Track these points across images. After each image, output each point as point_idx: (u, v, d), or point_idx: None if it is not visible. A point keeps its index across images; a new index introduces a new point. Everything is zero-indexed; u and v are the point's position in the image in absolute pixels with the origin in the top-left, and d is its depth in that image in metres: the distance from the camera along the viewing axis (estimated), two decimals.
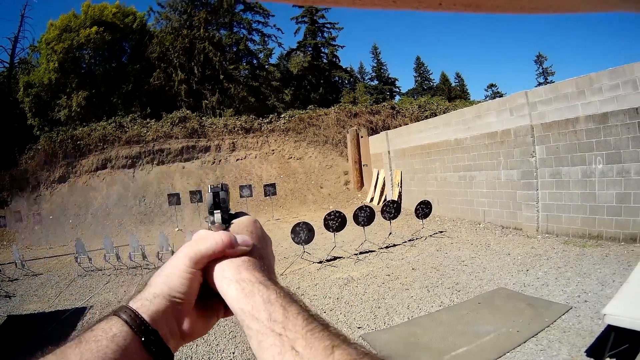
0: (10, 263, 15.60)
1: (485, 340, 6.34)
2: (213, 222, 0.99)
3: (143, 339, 0.75)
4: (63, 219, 24.85)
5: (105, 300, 11.15)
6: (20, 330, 9.52)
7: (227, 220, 1.00)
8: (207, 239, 0.88)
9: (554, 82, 16.78)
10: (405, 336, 7.05)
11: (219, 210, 1.01)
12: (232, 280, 0.81)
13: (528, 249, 10.80)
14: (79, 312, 10.44)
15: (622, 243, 9.70)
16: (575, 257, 9.43)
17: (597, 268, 8.47)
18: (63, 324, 9.62)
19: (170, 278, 0.84)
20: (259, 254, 0.92)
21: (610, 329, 4.35)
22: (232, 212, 1.06)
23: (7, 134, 32.28)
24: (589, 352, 5.02)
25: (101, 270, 14.18)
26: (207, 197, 1.03)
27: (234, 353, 7.31)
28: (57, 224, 24.47)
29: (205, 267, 0.86)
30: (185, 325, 0.86)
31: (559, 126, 11.19)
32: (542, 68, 67.62)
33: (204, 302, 0.91)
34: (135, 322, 0.76)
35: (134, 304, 0.81)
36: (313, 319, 0.73)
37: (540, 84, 62.90)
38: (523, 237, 12.15)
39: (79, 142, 28.88)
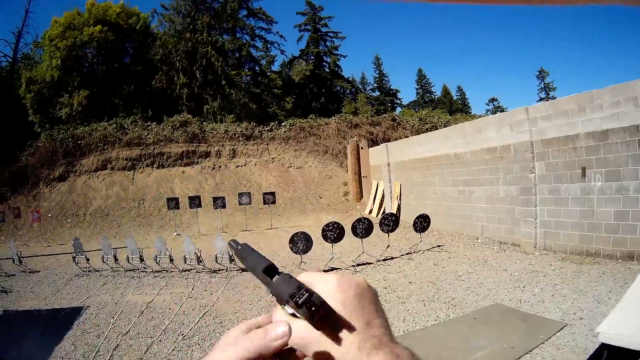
0: (7, 258, 15.62)
1: (480, 356, 6.39)
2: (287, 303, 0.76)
3: None
4: (62, 218, 25.00)
5: (102, 302, 11.17)
6: (15, 326, 9.62)
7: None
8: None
9: (555, 97, 16.82)
10: None
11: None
12: None
13: (525, 265, 10.85)
14: (76, 312, 10.42)
15: (620, 261, 9.72)
16: (572, 275, 9.48)
17: (593, 286, 8.52)
18: (59, 323, 9.63)
19: None
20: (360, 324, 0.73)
21: (603, 347, 4.38)
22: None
23: (7, 129, 32.30)
24: None
25: (98, 271, 14.27)
26: (248, 258, 0.87)
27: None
28: (55, 222, 24.65)
29: None
30: None
31: (558, 143, 11.23)
32: (544, 83, 67.69)
33: None
34: None
35: None
36: None
37: (541, 99, 63.90)
38: (521, 253, 12.19)
39: (79, 142, 29.15)
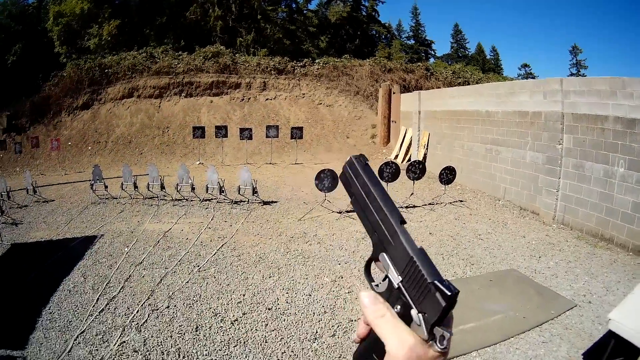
0: (21, 189, 15.49)
1: (493, 320, 6.62)
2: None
3: None
4: (82, 146, 25.04)
5: (117, 230, 11.28)
6: (24, 259, 9.52)
7: None
8: None
9: (585, 75, 16.50)
10: None
11: None
12: None
13: (543, 235, 10.85)
14: (89, 241, 10.48)
15: (631, 253, 9.67)
16: (586, 255, 9.51)
17: (604, 271, 8.53)
18: (70, 253, 9.75)
19: None
20: None
21: (611, 335, 4.38)
22: None
23: (32, 61, 32.33)
24: (586, 355, 5.04)
25: (116, 198, 14.32)
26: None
27: (244, 295, 7.54)
28: (75, 150, 24.68)
29: None
30: None
31: (588, 120, 11.02)
32: (576, 59, 66.47)
33: None
34: None
35: None
36: None
37: (572, 74, 62.79)
38: (539, 222, 12.12)
39: (106, 70, 28.77)
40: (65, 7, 35.80)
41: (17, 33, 34.98)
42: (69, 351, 5.87)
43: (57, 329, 6.41)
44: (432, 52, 66.84)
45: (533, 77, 55.67)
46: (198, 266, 8.82)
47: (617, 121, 10.15)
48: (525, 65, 70.98)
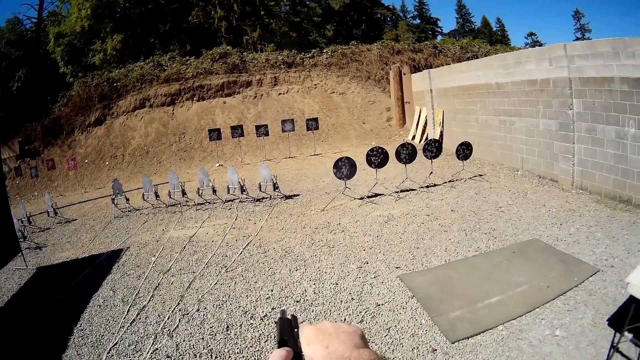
0: (41, 213, 15.67)
1: (518, 292, 6.70)
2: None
3: None
4: (99, 162, 25.17)
5: (143, 240, 11.45)
6: (50, 281, 9.65)
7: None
8: None
9: (590, 39, 16.36)
10: (442, 279, 7.44)
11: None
12: None
13: (563, 202, 10.89)
14: (115, 255, 10.62)
15: None
16: (606, 219, 9.47)
17: (624, 233, 8.48)
18: (97, 269, 9.88)
19: None
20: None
21: (631, 300, 4.42)
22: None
23: (38, 85, 32.58)
24: (610, 321, 5.14)
25: (139, 210, 14.46)
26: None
27: (272, 290, 7.68)
28: (93, 167, 24.87)
29: None
30: None
31: (595, 82, 10.91)
32: (580, 24, 65.88)
33: None
34: None
35: None
36: None
37: (577, 39, 61.92)
38: (558, 189, 12.08)
39: (115, 84, 28.89)
40: (64, 27, 36.23)
41: (19, 59, 35.15)
42: None
43: (90, 345, 6.56)
44: (439, 30, 66.29)
45: (540, 45, 55.19)
46: (225, 267, 8.98)
47: (623, 82, 10.05)
48: (531, 34, 70.22)
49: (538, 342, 5.42)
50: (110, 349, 6.32)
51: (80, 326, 7.16)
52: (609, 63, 10.45)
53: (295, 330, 1.07)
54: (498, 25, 69.80)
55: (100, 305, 7.86)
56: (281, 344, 1.01)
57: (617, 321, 4.80)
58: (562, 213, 10.04)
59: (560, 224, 9.32)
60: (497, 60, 16.13)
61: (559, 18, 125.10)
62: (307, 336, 0.98)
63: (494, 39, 60.43)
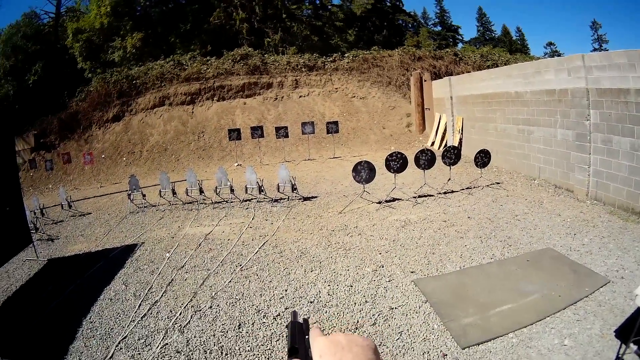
0: (55, 205, 15.86)
1: (529, 300, 6.79)
2: None
3: None
4: (116, 157, 25.69)
5: (158, 236, 11.57)
6: (61, 273, 9.70)
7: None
8: None
9: (607, 49, 16.33)
10: (455, 285, 7.53)
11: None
12: None
13: (577, 212, 10.92)
14: (129, 250, 10.66)
15: None
16: (618, 230, 9.45)
17: (635, 245, 8.47)
18: (110, 262, 9.98)
19: None
20: None
21: (639, 311, 4.50)
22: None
23: (55, 80, 32.85)
24: (617, 332, 5.15)
25: (155, 206, 14.59)
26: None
27: (286, 290, 7.78)
28: (110, 162, 25.45)
29: None
30: None
31: (612, 94, 10.91)
32: (597, 34, 66.18)
33: None
34: None
35: None
36: None
37: (595, 49, 62.25)
38: (574, 199, 12.06)
39: (134, 82, 29.33)
40: (83, 23, 36.73)
41: (35, 53, 35.55)
42: (111, 357, 6.08)
43: (98, 337, 6.63)
44: (460, 37, 66.43)
45: (559, 55, 55.41)
46: (240, 265, 9.05)
47: (639, 93, 10.08)
48: (550, 44, 70.46)
49: (547, 351, 5.51)
50: (119, 342, 6.42)
51: (89, 318, 7.27)
52: (625, 74, 10.46)
53: (306, 337, 1.07)
54: (518, 35, 69.90)
55: (111, 299, 7.97)
56: (291, 352, 1.03)
57: (623, 332, 4.87)
58: (576, 223, 10.04)
59: (574, 234, 9.34)
60: (517, 69, 16.16)
61: (577, 28, 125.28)
62: (319, 348, 0.98)
63: (514, 47, 60.42)
